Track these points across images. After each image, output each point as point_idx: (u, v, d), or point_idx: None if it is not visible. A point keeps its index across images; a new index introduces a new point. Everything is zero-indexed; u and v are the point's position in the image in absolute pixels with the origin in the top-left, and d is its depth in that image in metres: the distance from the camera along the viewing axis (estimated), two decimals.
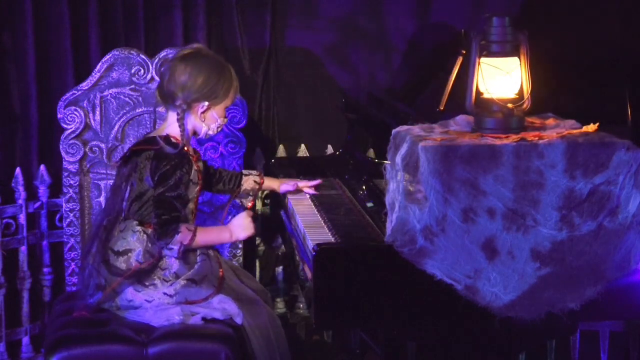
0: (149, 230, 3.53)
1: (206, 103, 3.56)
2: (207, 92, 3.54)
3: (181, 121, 3.54)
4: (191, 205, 3.59)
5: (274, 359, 3.56)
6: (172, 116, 3.58)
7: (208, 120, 3.59)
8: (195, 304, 3.54)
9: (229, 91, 3.59)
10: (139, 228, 3.55)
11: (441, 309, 3.10)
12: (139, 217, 3.56)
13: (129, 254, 3.53)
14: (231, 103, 3.64)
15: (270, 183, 3.95)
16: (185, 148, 3.55)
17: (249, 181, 3.89)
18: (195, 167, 3.57)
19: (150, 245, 3.53)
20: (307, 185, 3.91)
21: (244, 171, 3.94)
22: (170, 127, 3.58)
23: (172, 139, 3.55)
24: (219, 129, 3.64)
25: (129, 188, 3.59)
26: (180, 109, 3.54)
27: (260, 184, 3.90)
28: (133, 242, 3.53)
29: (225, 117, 3.64)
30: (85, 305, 3.57)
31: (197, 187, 3.60)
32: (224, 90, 3.57)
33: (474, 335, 3.17)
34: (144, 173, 3.53)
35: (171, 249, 3.48)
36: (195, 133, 3.63)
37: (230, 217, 3.74)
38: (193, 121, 3.59)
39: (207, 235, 3.57)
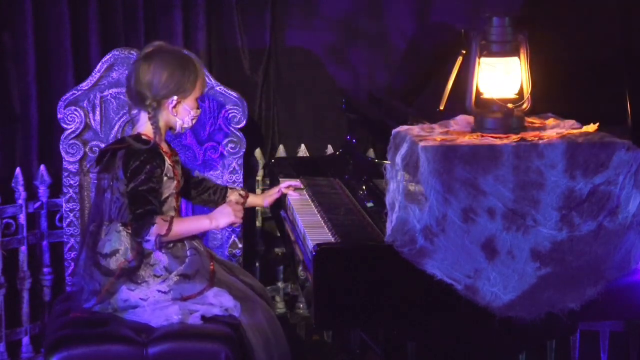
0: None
1: (175, 97, 3.56)
2: (173, 86, 3.55)
3: (153, 119, 3.56)
4: (172, 202, 3.60)
5: (272, 356, 3.56)
6: (144, 116, 3.60)
7: (181, 114, 3.60)
8: (191, 299, 3.55)
9: (195, 82, 3.59)
10: (121, 228, 3.55)
11: (441, 309, 3.10)
12: (121, 218, 3.57)
13: (117, 254, 3.54)
14: (201, 94, 3.63)
15: (255, 199, 3.99)
16: (159, 144, 3.56)
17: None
18: (169, 162, 3.58)
19: (133, 242, 3.54)
20: (288, 188, 3.93)
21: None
22: (142, 126, 3.60)
23: (143, 136, 3.57)
24: (194, 121, 3.65)
25: (110, 191, 3.59)
26: (150, 108, 3.55)
27: (245, 197, 3.90)
28: (118, 242, 3.54)
29: (198, 108, 3.64)
30: (82, 310, 3.57)
31: (175, 182, 3.60)
32: (190, 83, 3.57)
33: (474, 335, 3.17)
34: (119, 173, 3.54)
35: (148, 240, 3.48)
36: (171, 128, 3.64)
37: None
38: (166, 117, 3.60)
39: (185, 225, 3.58)
